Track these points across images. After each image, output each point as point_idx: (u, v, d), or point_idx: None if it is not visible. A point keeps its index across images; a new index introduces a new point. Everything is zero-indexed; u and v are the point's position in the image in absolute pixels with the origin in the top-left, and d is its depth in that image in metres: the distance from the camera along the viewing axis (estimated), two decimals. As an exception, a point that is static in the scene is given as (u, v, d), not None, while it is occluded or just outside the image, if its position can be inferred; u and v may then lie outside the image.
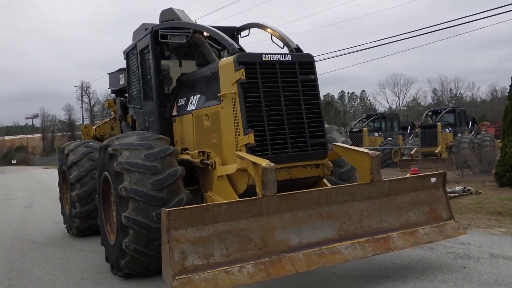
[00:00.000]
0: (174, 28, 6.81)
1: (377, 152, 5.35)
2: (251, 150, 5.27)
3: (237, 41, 7.78)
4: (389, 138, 28.24)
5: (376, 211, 5.24)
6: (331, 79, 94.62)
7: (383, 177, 5.52)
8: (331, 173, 5.89)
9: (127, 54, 8.30)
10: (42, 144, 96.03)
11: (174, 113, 7.14)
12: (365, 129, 29.13)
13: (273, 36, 6.56)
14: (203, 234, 4.33)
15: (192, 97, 6.63)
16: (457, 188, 12.09)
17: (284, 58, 5.64)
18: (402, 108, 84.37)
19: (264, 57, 5.53)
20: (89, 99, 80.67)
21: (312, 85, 5.78)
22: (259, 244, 4.56)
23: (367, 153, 5.34)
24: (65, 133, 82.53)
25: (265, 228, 4.62)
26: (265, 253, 4.55)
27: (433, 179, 5.64)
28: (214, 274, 4.23)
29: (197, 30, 6.45)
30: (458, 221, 5.67)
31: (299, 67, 5.70)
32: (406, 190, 5.46)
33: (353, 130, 30.72)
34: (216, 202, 5.05)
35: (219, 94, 5.61)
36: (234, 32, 7.67)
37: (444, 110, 27.79)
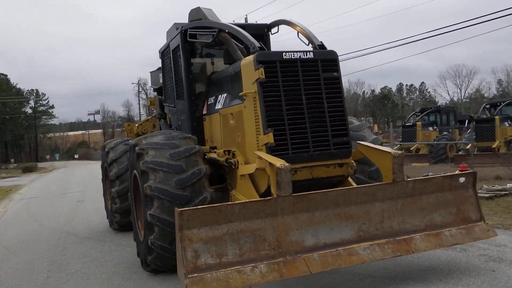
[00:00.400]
0: (201, 27, 6.91)
1: (399, 152, 5.21)
2: (270, 149, 5.28)
3: (267, 39, 7.80)
4: (444, 133, 27.16)
5: (399, 212, 5.11)
6: (389, 71, 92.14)
7: (406, 176, 5.35)
8: (355, 172, 5.77)
9: (162, 54, 8.50)
10: (103, 139, 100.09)
11: (205, 111, 7.26)
12: (419, 123, 28.17)
13: (299, 33, 6.51)
14: (216, 234, 4.40)
15: (220, 95, 6.72)
16: (508, 185, 11.56)
17: (306, 56, 5.59)
18: (464, 100, 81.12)
19: (285, 55, 5.50)
20: (146, 95, 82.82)
21: (336, 82, 5.70)
22: (273, 244, 4.57)
23: (389, 152, 5.21)
24: (124, 128, 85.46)
25: (280, 228, 4.62)
26: (279, 253, 4.55)
27: (461, 179, 5.42)
28: (226, 273, 4.28)
29: (222, 29, 6.51)
30: (488, 222, 5.41)
31: (322, 64, 5.64)
32: (432, 191, 5.29)
33: (406, 124, 29.82)
34: (234, 202, 5.11)
35: (240, 94, 5.66)
36: (264, 29, 7.68)
37: (504, 102, 26.46)
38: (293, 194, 4.68)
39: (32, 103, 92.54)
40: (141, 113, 78.80)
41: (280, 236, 4.61)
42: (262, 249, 4.52)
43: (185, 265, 4.22)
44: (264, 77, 5.32)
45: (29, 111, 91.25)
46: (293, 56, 5.53)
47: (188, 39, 7.05)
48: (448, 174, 5.93)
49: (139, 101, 78.50)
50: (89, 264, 6.93)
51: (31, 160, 72.70)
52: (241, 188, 5.83)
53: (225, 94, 6.53)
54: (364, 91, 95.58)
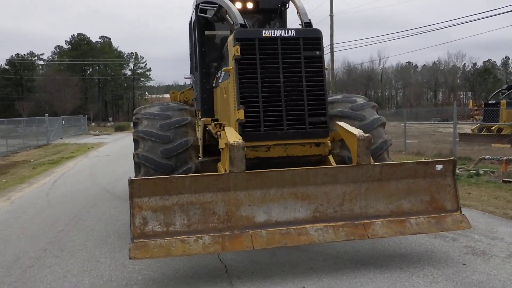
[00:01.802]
0: (210, 2, 7.02)
1: (366, 135, 5.07)
2: (241, 126, 5.39)
3: (283, 14, 7.72)
4: (533, 113, 24.90)
5: (362, 196, 5.03)
6: (494, 43, 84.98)
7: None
8: (329, 152, 5.73)
9: (188, 26, 8.75)
10: None
11: (214, 84, 7.46)
12: (503, 101, 26.08)
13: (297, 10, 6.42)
14: (166, 204, 4.66)
15: (222, 70, 6.88)
16: None
17: (287, 33, 5.54)
18: None
19: (265, 33, 5.50)
20: None
21: (317, 61, 5.61)
22: (222, 218, 4.74)
23: (355, 134, 5.09)
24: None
25: (231, 203, 4.77)
26: (227, 227, 4.72)
27: (438, 166, 5.18)
28: (170, 241, 4.55)
29: (221, 5, 6.58)
30: (464, 214, 5.14)
31: (304, 42, 5.56)
32: (402, 176, 5.12)
33: (489, 102, 27.73)
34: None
35: (223, 69, 5.78)
36: (278, 4, 7.62)
37: None
38: (247, 171, 4.79)
39: (131, 65, 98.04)
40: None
41: (231, 210, 4.76)
42: (211, 222, 4.71)
43: (132, 231, 4.55)
44: (239, 54, 5.38)
45: (128, 73, 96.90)
46: (273, 34, 5.51)
47: (199, 13, 7.22)
48: (423, 160, 5.66)
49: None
50: (101, 222, 7.56)
51: (128, 120, 77.56)
52: (223, 160, 6.01)
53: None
54: (464, 64, 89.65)
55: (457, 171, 10.88)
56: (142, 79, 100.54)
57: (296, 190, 4.91)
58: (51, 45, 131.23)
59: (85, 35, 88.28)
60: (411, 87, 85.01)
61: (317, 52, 5.61)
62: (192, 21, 7.97)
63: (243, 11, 7.36)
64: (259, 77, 5.46)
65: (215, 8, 6.66)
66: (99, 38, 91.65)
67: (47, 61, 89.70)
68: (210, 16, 6.75)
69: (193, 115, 6.57)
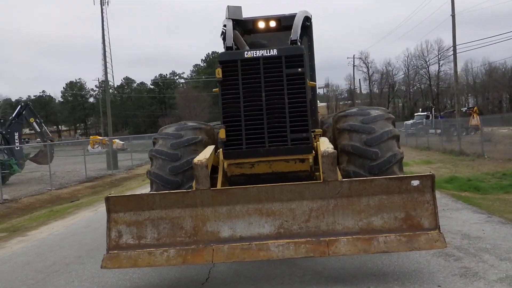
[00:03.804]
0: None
1: (330, 151, 5.00)
2: (224, 144, 5.66)
3: (309, 29, 7.79)
4: None
5: (330, 213, 4.99)
6: None
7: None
8: (311, 168, 5.72)
9: None
10: (327, 112, 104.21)
11: None
12: None
13: None
14: (138, 219, 5.11)
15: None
16: None
17: (269, 53, 5.69)
18: None
19: (247, 54, 5.72)
20: (367, 68, 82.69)
21: (299, 78, 5.67)
22: (189, 232, 5.06)
23: (321, 150, 5.07)
24: (346, 101, 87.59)
25: (198, 218, 5.07)
26: (193, 241, 5.03)
27: (414, 182, 4.93)
28: (139, 253, 4.98)
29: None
30: (442, 232, 4.82)
31: (286, 60, 5.66)
32: (374, 193, 4.97)
33: None
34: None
35: (213, 90, 6.10)
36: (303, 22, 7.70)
37: None
38: (212, 188, 5.06)
39: None
40: (361, 86, 79.48)
41: (198, 226, 5.06)
42: (179, 236, 5.06)
43: (108, 243, 5.07)
44: (220, 76, 5.67)
45: None
46: (255, 54, 5.69)
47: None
48: (398, 176, 5.33)
49: (353, 75, 78.81)
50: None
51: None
52: (220, 175, 6.31)
53: None
54: None
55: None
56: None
57: (261, 206, 5.04)
58: (190, 64, 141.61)
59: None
60: None
61: (299, 69, 5.67)
62: None
63: (267, 30, 7.64)
64: (241, 97, 5.68)
65: (224, 29, 6.99)
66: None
67: (186, 79, 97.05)
68: (221, 37, 7.09)
69: (209, 134, 6.93)
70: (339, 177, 5.11)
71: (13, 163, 20.03)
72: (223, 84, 5.71)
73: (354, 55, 76.44)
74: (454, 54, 36.83)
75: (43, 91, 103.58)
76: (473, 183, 12.11)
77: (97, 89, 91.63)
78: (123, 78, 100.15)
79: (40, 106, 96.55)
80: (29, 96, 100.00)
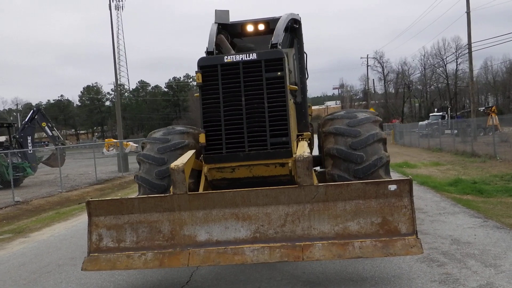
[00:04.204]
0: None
1: (305, 155, 5.00)
2: (204, 149, 5.71)
3: (298, 31, 7.80)
4: None
5: (305, 217, 4.99)
6: None
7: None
8: (290, 172, 5.71)
9: None
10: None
11: None
12: None
13: None
14: (118, 222, 5.19)
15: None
16: None
17: (249, 57, 5.72)
18: None
19: (227, 58, 5.75)
20: (383, 68, 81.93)
21: (279, 82, 5.67)
22: (167, 236, 5.11)
23: (296, 155, 5.07)
24: (361, 102, 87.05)
25: (176, 222, 5.12)
26: (171, 245, 5.08)
27: (392, 187, 4.90)
28: (117, 256, 5.06)
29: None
30: (419, 238, 4.78)
31: (265, 64, 5.68)
32: (350, 197, 4.95)
33: None
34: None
35: (195, 95, 6.16)
36: (288, 23, 7.72)
37: None
38: (189, 193, 5.11)
39: None
40: (375, 86, 78.79)
41: (175, 229, 5.11)
42: (157, 240, 5.12)
43: (89, 246, 5.16)
44: (200, 81, 5.72)
45: None
46: (235, 58, 5.72)
47: None
48: (375, 180, 5.27)
49: (367, 75, 78.16)
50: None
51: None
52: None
53: None
54: None
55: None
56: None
57: (237, 211, 5.07)
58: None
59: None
60: None
61: (279, 73, 5.68)
62: None
63: (256, 33, 7.66)
64: (221, 102, 5.71)
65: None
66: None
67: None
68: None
69: (197, 138, 6.97)
70: (315, 181, 5.10)
71: (27, 166, 20.40)
72: (203, 89, 5.76)
73: (367, 55, 75.64)
74: (469, 52, 36.22)
75: (62, 95, 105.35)
76: (477, 186, 11.92)
77: (113, 92, 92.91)
78: (138, 81, 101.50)
79: (58, 110, 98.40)
80: (48, 100, 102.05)
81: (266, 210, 5.04)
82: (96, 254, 5.11)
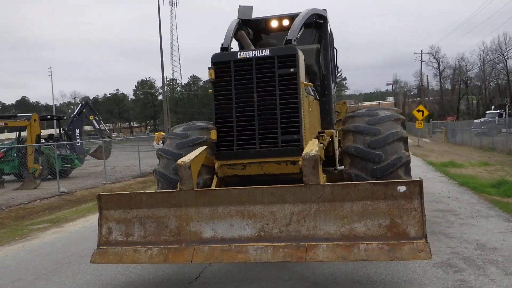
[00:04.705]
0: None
1: (312, 153, 4.86)
2: (215, 145, 5.70)
3: (323, 26, 7.64)
4: None
5: (311, 217, 4.87)
6: None
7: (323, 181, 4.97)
8: (300, 171, 5.56)
9: None
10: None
11: None
12: None
13: None
14: (127, 217, 5.27)
15: None
16: None
17: (262, 53, 5.64)
18: None
19: (240, 54, 5.70)
20: (438, 63, 79.27)
21: (292, 78, 5.57)
22: (173, 231, 5.14)
23: (303, 153, 4.94)
24: (415, 98, 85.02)
25: (182, 218, 5.14)
26: (177, 241, 5.10)
27: (401, 188, 4.69)
28: (125, 250, 5.14)
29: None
30: (429, 242, 4.55)
31: (278, 60, 5.59)
32: (358, 198, 4.78)
33: None
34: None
35: (208, 91, 6.16)
36: (313, 18, 7.57)
37: None
38: (196, 189, 5.12)
39: None
40: (431, 82, 76.55)
41: (181, 225, 5.13)
42: (163, 235, 5.16)
43: (99, 238, 5.27)
44: (213, 77, 5.70)
45: None
46: (248, 55, 5.66)
47: None
48: (384, 181, 5.02)
49: (421, 70, 75.87)
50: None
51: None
52: None
53: None
54: None
55: None
56: (337, 88, 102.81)
57: (243, 208, 5.02)
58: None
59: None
60: None
61: (291, 69, 5.57)
62: None
63: (281, 29, 7.57)
64: (233, 98, 5.68)
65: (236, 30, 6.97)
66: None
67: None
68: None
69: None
70: (322, 180, 4.97)
71: (74, 157, 21.24)
72: (216, 85, 5.74)
73: (421, 50, 73.21)
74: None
75: (117, 89, 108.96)
76: (522, 189, 11.27)
77: (165, 87, 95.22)
78: (190, 76, 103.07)
79: (114, 103, 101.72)
80: (104, 94, 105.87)
81: (272, 208, 4.96)
82: (105, 247, 5.21)
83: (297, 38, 6.06)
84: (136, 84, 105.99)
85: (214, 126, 5.70)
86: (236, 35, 6.90)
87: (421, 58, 72.73)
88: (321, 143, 6.15)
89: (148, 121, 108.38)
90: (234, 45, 7.57)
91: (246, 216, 5.01)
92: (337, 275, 5.37)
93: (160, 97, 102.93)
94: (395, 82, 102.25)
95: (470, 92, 78.57)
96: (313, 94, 7.00)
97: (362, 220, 4.76)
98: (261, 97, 5.60)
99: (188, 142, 6.65)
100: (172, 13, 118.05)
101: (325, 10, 7.74)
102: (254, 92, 5.62)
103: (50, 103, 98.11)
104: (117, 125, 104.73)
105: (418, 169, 16.36)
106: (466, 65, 75.16)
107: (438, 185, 12.07)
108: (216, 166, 5.76)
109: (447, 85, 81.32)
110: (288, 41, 5.84)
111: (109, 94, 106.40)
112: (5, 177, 20.36)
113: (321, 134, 6.70)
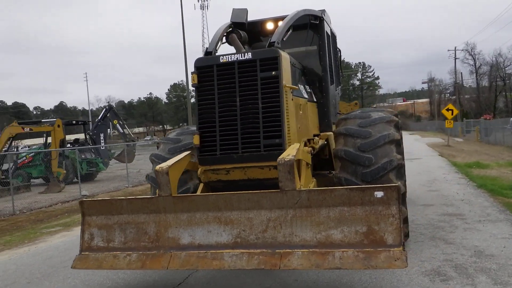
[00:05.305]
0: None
1: (287, 159, 4.76)
2: (198, 150, 5.66)
3: (321, 29, 7.50)
4: None
5: (288, 223, 4.77)
6: None
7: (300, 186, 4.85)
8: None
9: None
10: (429, 108, 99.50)
11: None
12: None
13: None
14: (108, 222, 5.30)
15: None
16: None
17: (244, 57, 5.58)
18: None
19: (222, 58, 5.65)
20: (474, 60, 77.10)
21: (274, 81, 5.47)
22: (152, 238, 5.14)
23: (278, 158, 4.84)
24: (451, 97, 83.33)
25: (161, 224, 5.13)
26: (155, 247, 5.10)
27: (378, 194, 4.54)
28: (105, 256, 5.16)
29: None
30: (406, 250, 4.37)
31: (260, 64, 5.51)
32: (334, 204, 4.65)
33: None
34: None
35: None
36: (307, 18, 7.45)
37: None
38: (173, 195, 5.10)
39: (359, 75, 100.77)
40: (466, 79, 74.68)
41: (160, 231, 5.12)
42: (143, 241, 5.16)
43: (81, 244, 5.32)
44: (196, 82, 5.67)
45: (357, 83, 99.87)
46: (230, 58, 5.61)
47: None
48: (359, 186, 4.83)
49: (455, 67, 73.93)
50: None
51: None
52: None
53: None
54: None
55: None
56: (370, 88, 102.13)
57: (220, 214, 4.96)
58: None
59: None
60: None
61: (273, 72, 5.48)
62: None
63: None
64: (216, 103, 5.63)
65: (226, 33, 6.93)
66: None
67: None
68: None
69: None
70: (298, 186, 4.85)
71: (99, 161, 21.68)
72: (199, 90, 5.71)
73: (455, 47, 71.27)
74: None
75: (150, 93, 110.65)
76: (544, 191, 10.76)
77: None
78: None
79: (148, 107, 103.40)
80: (139, 97, 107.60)
81: (249, 214, 4.89)
82: (87, 252, 5.26)
83: (282, 40, 5.98)
84: (169, 87, 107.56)
85: (197, 131, 5.66)
86: (228, 38, 6.86)
87: (455, 55, 70.82)
88: (310, 147, 6.03)
89: (180, 124, 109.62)
90: (231, 49, 7.51)
91: (223, 222, 4.95)
92: (320, 282, 5.24)
93: (192, 100, 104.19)
94: (430, 80, 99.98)
95: (508, 89, 75.94)
96: (307, 96, 6.89)
97: (339, 227, 4.63)
98: (244, 101, 5.54)
99: (180, 147, 6.66)
100: (203, 16, 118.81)
101: (322, 10, 7.61)
102: (236, 96, 5.56)
103: (87, 108, 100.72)
104: (150, 128, 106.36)
105: (440, 170, 15.89)
106: (504, 61, 72.68)
107: (454, 187, 11.66)
108: (199, 171, 5.71)
109: (485, 82, 78.80)
110: (271, 44, 5.75)
111: (143, 98, 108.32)
112: (34, 181, 20.98)
113: (313, 138, 6.57)
